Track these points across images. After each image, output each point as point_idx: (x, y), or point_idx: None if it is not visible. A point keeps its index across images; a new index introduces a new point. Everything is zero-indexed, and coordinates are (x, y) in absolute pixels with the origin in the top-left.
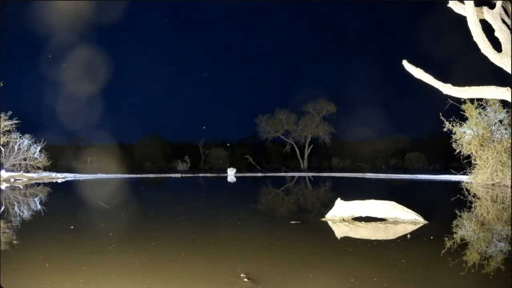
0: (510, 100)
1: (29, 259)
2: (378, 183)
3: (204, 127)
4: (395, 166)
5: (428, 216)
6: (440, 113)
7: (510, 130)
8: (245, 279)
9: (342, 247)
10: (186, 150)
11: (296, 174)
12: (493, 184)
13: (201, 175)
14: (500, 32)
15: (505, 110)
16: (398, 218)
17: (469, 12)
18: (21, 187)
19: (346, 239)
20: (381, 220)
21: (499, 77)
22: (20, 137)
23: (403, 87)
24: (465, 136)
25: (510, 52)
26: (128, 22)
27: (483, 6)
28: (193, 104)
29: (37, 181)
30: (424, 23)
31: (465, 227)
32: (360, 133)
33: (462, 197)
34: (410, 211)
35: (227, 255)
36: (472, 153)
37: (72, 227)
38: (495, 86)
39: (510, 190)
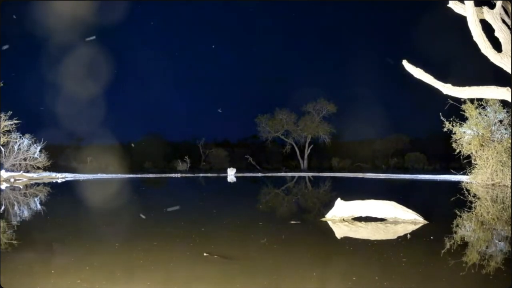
0: (510, 100)
1: (30, 259)
2: (378, 183)
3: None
4: (395, 166)
5: (428, 216)
6: (440, 113)
7: (510, 130)
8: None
9: (343, 247)
10: (186, 150)
11: (296, 174)
12: (493, 184)
13: (201, 175)
14: (500, 32)
15: (505, 110)
16: (398, 218)
17: (469, 12)
18: (21, 187)
19: (347, 239)
20: (381, 220)
21: (499, 77)
22: (20, 137)
23: (403, 87)
24: (465, 136)
25: (510, 52)
26: (128, 21)
27: (483, 6)
28: (193, 104)
29: (37, 181)
30: (424, 23)
31: (465, 227)
32: (360, 133)
33: (462, 197)
34: (410, 211)
35: (227, 254)
36: (472, 153)
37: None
38: (495, 86)
39: (510, 190)
